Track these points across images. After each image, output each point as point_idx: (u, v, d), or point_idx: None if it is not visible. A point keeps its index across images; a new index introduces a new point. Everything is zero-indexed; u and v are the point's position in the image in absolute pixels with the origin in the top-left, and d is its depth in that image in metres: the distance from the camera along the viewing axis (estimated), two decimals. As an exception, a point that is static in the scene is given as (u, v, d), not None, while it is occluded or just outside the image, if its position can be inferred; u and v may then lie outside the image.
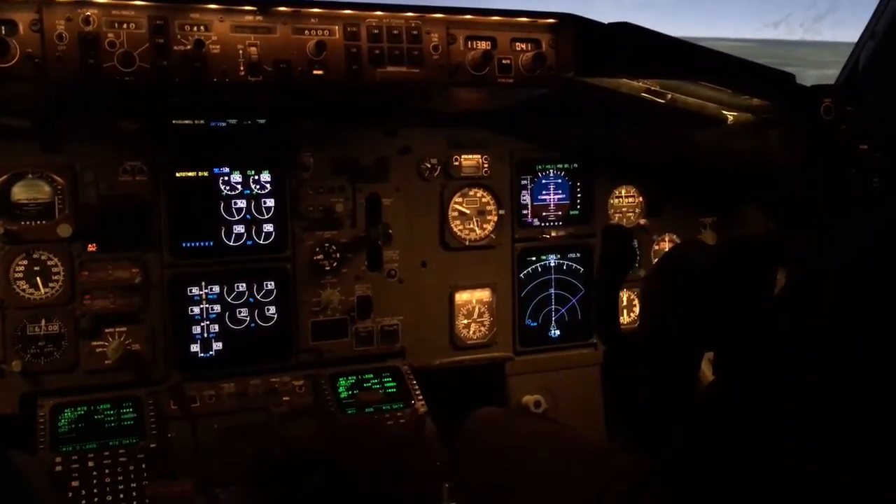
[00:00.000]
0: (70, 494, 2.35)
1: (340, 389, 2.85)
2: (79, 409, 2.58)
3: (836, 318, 1.16)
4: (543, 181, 3.25)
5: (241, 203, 2.81)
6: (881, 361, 1.10)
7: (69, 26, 2.09)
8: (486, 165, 3.12)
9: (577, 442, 2.15)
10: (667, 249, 3.41)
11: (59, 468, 2.39)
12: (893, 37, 2.77)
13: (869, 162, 2.69)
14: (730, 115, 2.87)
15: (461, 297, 3.14)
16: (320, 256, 2.89)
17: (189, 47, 2.17)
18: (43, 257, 2.60)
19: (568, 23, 2.51)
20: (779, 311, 1.32)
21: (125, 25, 2.15)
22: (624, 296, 3.37)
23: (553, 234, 3.26)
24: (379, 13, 2.37)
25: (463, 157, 3.09)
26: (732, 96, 2.70)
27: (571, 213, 3.29)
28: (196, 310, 2.77)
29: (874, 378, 1.11)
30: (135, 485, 2.41)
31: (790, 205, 2.92)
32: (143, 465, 2.46)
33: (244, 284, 2.82)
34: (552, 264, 3.28)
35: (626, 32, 2.46)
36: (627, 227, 3.26)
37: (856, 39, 2.96)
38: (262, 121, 2.80)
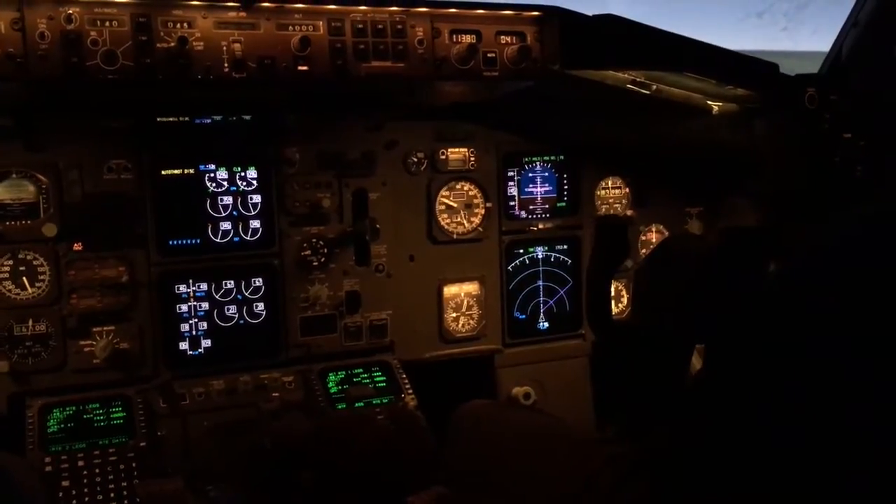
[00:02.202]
0: (61, 495, 2.34)
1: (330, 384, 2.85)
2: (68, 408, 2.57)
3: (820, 307, 1.17)
4: (530, 174, 3.25)
5: (228, 200, 2.80)
6: (865, 350, 1.11)
7: (51, 25, 2.08)
8: (472, 158, 3.12)
9: (566, 432, 2.16)
10: (654, 240, 3.43)
11: (48, 468, 2.38)
12: (876, 25, 2.78)
13: (852, 150, 2.71)
14: (715, 106, 2.88)
15: (449, 290, 3.14)
16: (308, 252, 2.89)
17: (172, 44, 2.15)
18: (28, 257, 2.58)
19: (553, 15, 2.51)
20: (765, 301, 1.33)
21: (108, 23, 2.13)
22: (611, 286, 3.38)
23: (540, 226, 3.27)
24: (363, 8, 2.36)
25: (449, 150, 3.09)
26: (717, 87, 2.70)
27: (558, 205, 3.30)
28: (184, 307, 2.76)
29: (859, 367, 1.12)
30: (125, 484, 2.41)
31: (776, 194, 2.94)
32: (134, 464, 2.45)
33: (232, 281, 2.82)
34: (540, 256, 3.29)
35: (610, 24, 2.46)
36: (622, 219, 3.28)
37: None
38: (247, 117, 2.79)
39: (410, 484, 2.14)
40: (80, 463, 2.42)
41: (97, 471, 2.42)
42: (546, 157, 3.28)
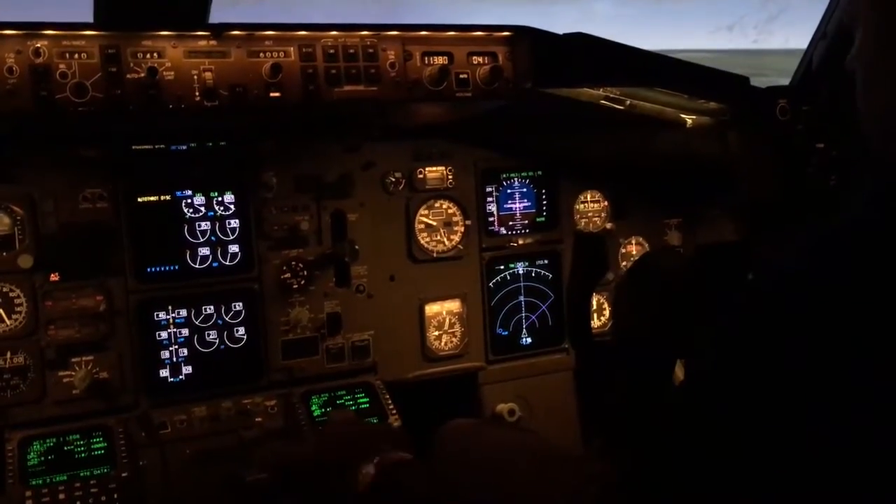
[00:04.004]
0: (41, 529, 2.33)
1: (313, 408, 2.84)
2: (48, 440, 2.54)
3: (788, 323, 1.18)
4: (508, 190, 3.26)
5: (206, 225, 2.79)
6: (833, 365, 1.12)
7: (19, 59, 2.07)
8: (450, 176, 3.13)
9: (548, 449, 2.16)
10: (634, 252, 3.45)
11: (29, 503, 2.37)
12: (845, 36, 2.81)
13: (826, 160, 2.73)
14: (688, 119, 2.90)
15: (431, 308, 3.14)
16: (288, 275, 2.88)
17: (142, 75, 2.16)
18: (4, 289, 2.56)
19: (523, 35, 2.52)
20: (734, 315, 1.34)
21: (77, 55, 2.13)
22: (593, 300, 3.39)
23: (520, 241, 3.28)
24: (334, 33, 2.36)
25: (427, 169, 3.09)
26: (690, 100, 2.73)
27: (538, 220, 3.31)
28: (164, 334, 2.75)
29: (826, 382, 1.12)
30: (107, 516, 2.39)
31: (751, 205, 2.96)
32: (116, 496, 2.43)
33: (212, 307, 2.80)
34: (521, 272, 3.29)
35: (581, 43, 2.48)
36: (599, 235, 3.29)
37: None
38: (223, 143, 2.79)
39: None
40: (62, 496, 2.40)
41: (78, 503, 2.40)
42: (524, 173, 3.28)
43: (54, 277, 2.60)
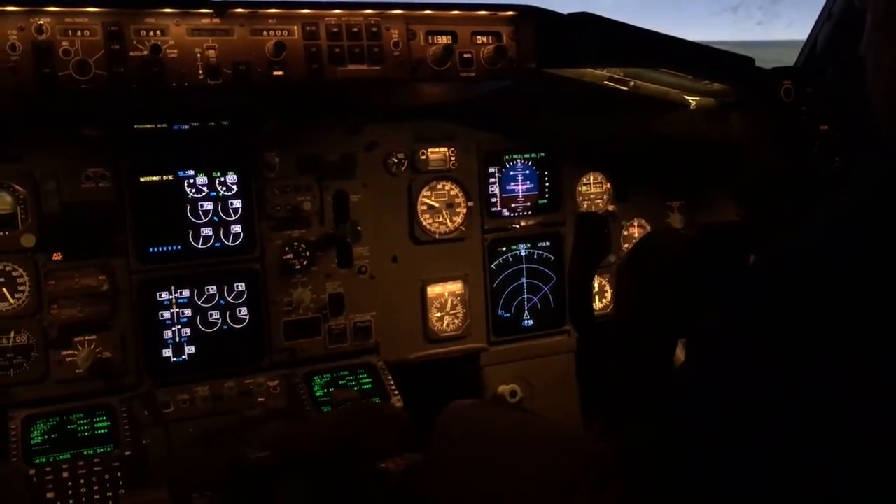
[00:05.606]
0: (45, 507, 2.34)
1: (315, 388, 2.85)
2: (51, 419, 2.55)
3: (790, 303, 1.18)
4: (511, 172, 3.25)
5: (208, 205, 2.79)
6: (835, 346, 1.12)
7: (22, 36, 2.06)
8: (453, 158, 3.12)
9: (549, 430, 2.16)
10: (636, 234, 3.45)
11: (33, 480, 2.37)
12: (850, 17, 2.79)
13: (829, 142, 2.72)
14: (692, 100, 2.89)
15: (433, 290, 3.14)
16: (290, 256, 2.88)
17: (146, 53, 2.14)
18: (7, 268, 2.56)
19: (528, 14, 2.51)
20: (735, 296, 1.33)
21: (79, 33, 2.11)
22: (595, 282, 3.39)
23: (523, 223, 3.27)
24: (338, 11, 2.35)
25: (430, 150, 3.08)
26: (694, 81, 2.71)
27: (540, 202, 3.31)
28: (166, 314, 2.75)
29: (828, 363, 1.13)
30: (111, 494, 2.40)
31: (754, 186, 2.96)
32: (119, 474, 2.45)
33: (214, 287, 2.81)
34: (523, 254, 3.29)
35: (586, 22, 2.47)
36: (602, 215, 3.28)
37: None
38: (226, 122, 2.78)
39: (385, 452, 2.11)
40: (65, 474, 2.41)
41: (82, 481, 2.41)
42: (527, 155, 3.28)
43: (57, 257, 2.60)
